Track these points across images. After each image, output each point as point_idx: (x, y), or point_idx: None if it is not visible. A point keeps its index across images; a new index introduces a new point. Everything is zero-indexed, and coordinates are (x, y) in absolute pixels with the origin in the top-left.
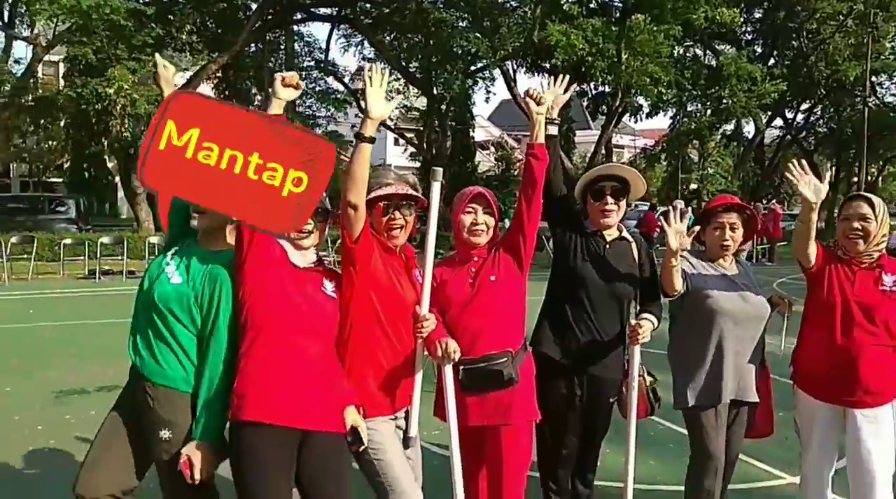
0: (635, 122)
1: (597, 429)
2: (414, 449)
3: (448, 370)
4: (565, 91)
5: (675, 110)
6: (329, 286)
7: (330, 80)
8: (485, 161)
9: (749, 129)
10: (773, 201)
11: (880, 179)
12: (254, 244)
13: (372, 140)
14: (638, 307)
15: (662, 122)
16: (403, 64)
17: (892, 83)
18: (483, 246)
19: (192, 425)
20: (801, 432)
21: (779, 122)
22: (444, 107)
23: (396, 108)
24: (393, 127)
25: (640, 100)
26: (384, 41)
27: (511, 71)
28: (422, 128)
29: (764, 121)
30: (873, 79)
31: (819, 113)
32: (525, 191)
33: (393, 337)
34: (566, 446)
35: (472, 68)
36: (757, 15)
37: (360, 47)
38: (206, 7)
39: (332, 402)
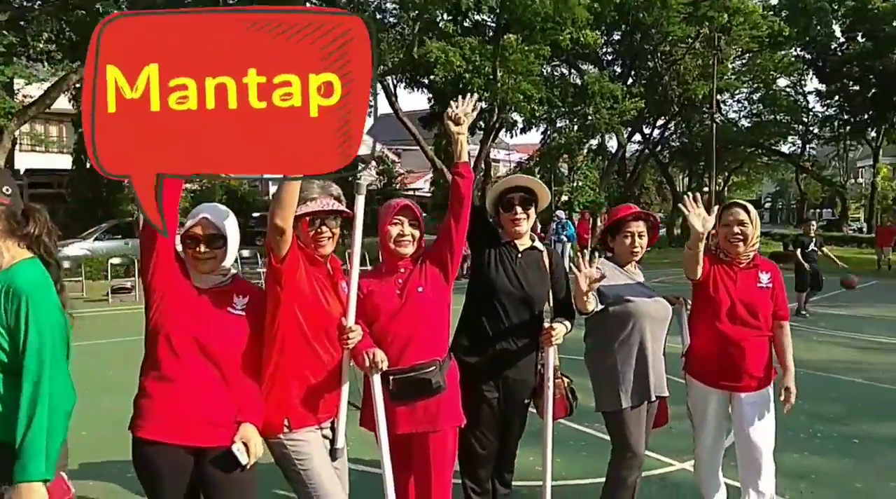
0: (511, 137)
1: (513, 430)
2: (341, 460)
3: (376, 380)
4: (473, 109)
5: (545, 126)
6: (239, 303)
7: None
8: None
9: (612, 144)
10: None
11: (726, 188)
12: (158, 258)
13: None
14: (552, 313)
15: (535, 137)
16: None
17: (733, 101)
18: (409, 257)
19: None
20: (695, 418)
21: (637, 137)
22: None
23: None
24: None
25: (515, 116)
26: None
27: (392, 86)
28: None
29: (625, 136)
30: (718, 97)
31: (672, 128)
32: (453, 207)
33: (319, 349)
34: (485, 447)
35: None
36: (616, 37)
37: None
38: (64, 14)
39: (229, 418)
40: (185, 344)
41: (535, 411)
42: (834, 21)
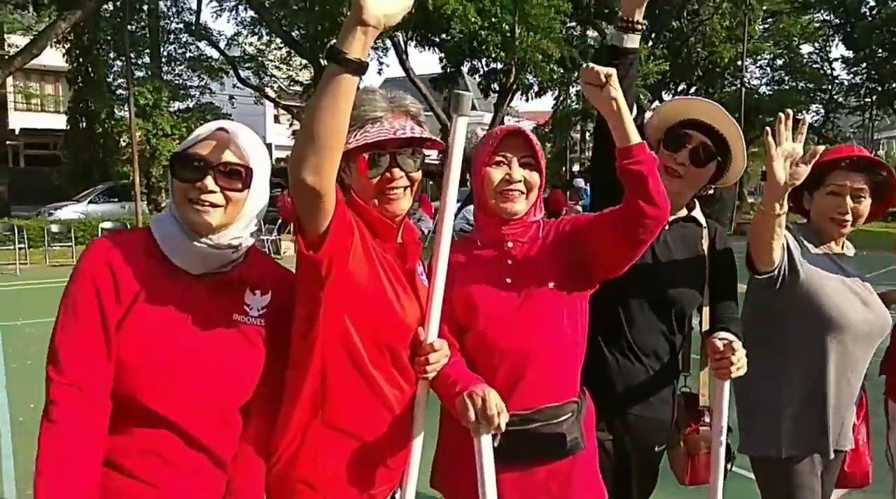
0: (526, 101)
1: (633, 491)
2: None
3: (485, 442)
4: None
5: (558, 91)
6: (255, 304)
7: (203, 45)
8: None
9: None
10: None
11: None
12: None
13: (359, 67)
14: (700, 320)
15: (544, 104)
16: (286, 31)
17: (755, 66)
18: (521, 218)
19: None
20: None
21: (657, 103)
22: None
23: (279, 80)
24: (274, 101)
25: (530, 78)
26: (264, 4)
27: (402, 43)
28: (306, 103)
29: (647, 101)
30: (744, 62)
31: (693, 94)
32: (630, 213)
33: (381, 381)
34: None
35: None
36: None
37: (235, 11)
38: None
39: None
40: (149, 387)
41: (670, 469)
42: None
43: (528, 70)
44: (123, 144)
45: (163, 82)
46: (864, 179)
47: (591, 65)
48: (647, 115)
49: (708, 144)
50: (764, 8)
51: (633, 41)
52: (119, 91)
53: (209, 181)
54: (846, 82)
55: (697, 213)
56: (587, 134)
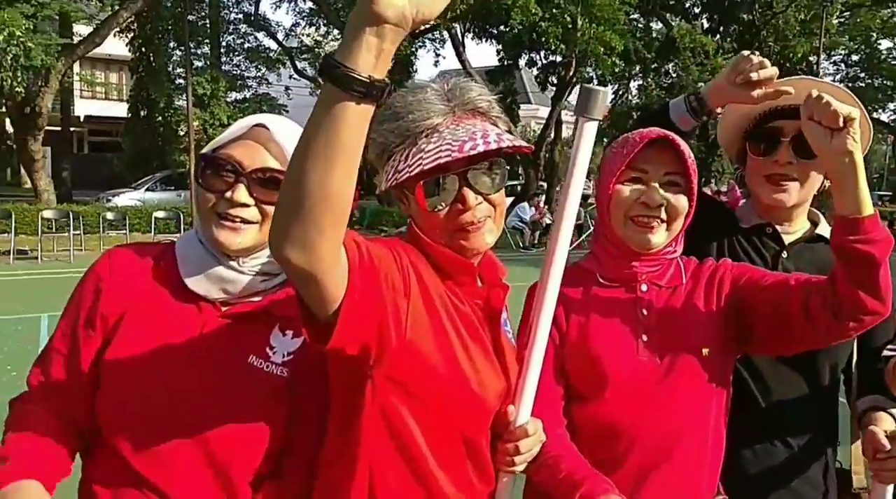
0: None
1: None
2: None
3: None
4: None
5: (617, 85)
6: (281, 347)
7: (261, 36)
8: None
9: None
10: (729, 180)
11: None
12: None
13: (369, 90)
14: (854, 385)
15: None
16: (344, 21)
17: (828, 62)
18: (658, 252)
19: None
20: None
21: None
22: (389, 71)
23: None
24: None
25: (590, 71)
26: None
27: (459, 34)
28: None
29: None
30: (816, 57)
31: None
32: (848, 301)
33: (444, 485)
34: None
35: (420, 28)
36: None
37: (294, 2)
38: None
39: None
40: (125, 433)
41: None
42: None
43: (589, 63)
44: (181, 132)
45: (220, 72)
46: None
47: (826, 97)
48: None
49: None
50: (842, 1)
51: (691, 125)
52: (178, 80)
53: (242, 191)
54: None
55: (825, 227)
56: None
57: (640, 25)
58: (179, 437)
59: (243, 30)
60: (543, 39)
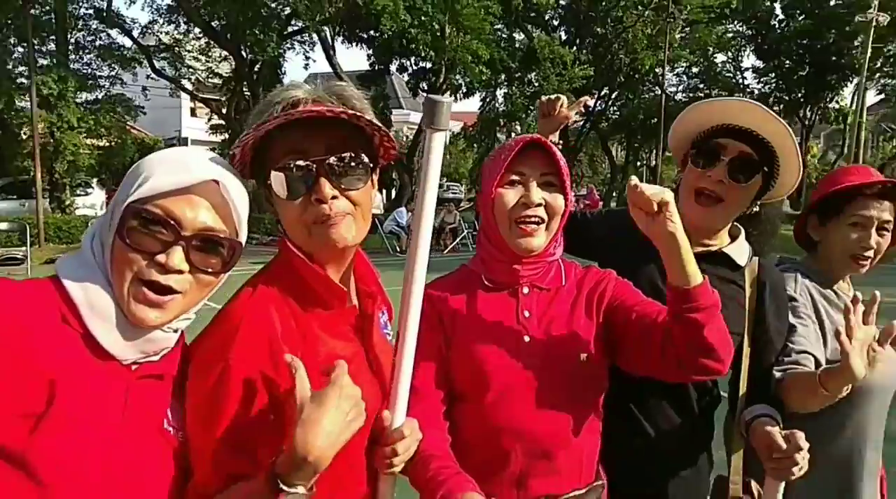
0: (455, 101)
1: None
2: None
3: None
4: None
5: (485, 93)
6: (176, 409)
7: (114, 32)
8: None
9: None
10: (588, 184)
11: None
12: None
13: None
14: (740, 397)
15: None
16: (206, 20)
17: (672, 74)
18: (539, 256)
19: None
20: None
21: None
22: (255, 72)
23: (197, 71)
24: (191, 94)
25: (459, 79)
26: None
27: (329, 38)
28: (225, 97)
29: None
30: (661, 69)
31: (612, 100)
32: (685, 356)
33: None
34: None
35: (289, 30)
36: (562, 1)
37: None
38: None
39: None
40: None
41: None
42: None
43: (458, 70)
44: (24, 136)
45: (69, 71)
46: (891, 210)
47: (638, 185)
48: (573, 118)
49: (749, 152)
50: (683, 17)
51: None
52: (20, 80)
53: (178, 256)
54: (756, 91)
55: (736, 248)
56: (513, 135)
57: (504, 36)
58: None
59: (94, 26)
60: (413, 46)
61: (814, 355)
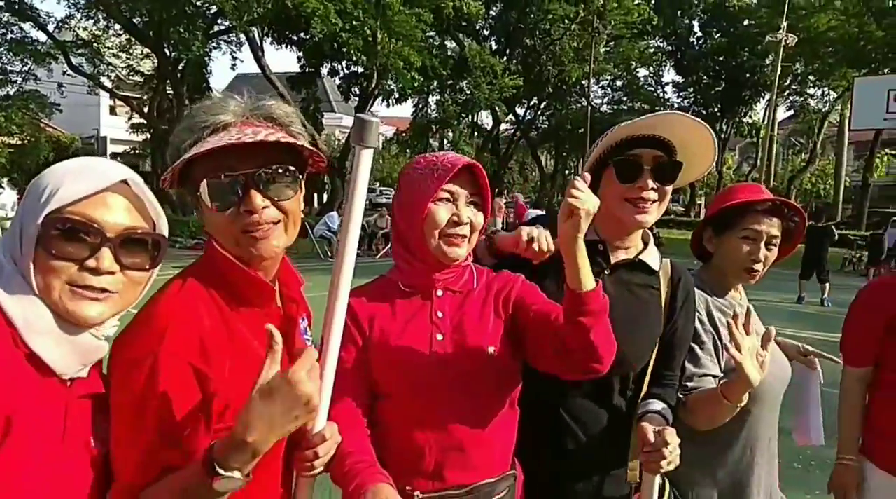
0: (387, 106)
1: None
2: None
3: None
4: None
5: (417, 99)
6: (102, 424)
7: (28, 26)
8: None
9: (487, 121)
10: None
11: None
12: None
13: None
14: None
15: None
16: (127, 16)
17: (598, 86)
18: (459, 265)
19: None
20: None
21: (510, 117)
22: (179, 71)
23: (117, 69)
24: (110, 92)
25: (391, 84)
26: None
27: (258, 39)
28: (147, 95)
29: (502, 113)
30: (587, 82)
31: (542, 110)
32: (572, 357)
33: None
34: None
35: (215, 29)
36: (492, 12)
37: None
38: None
39: None
40: None
41: None
42: (695, 15)
43: (390, 76)
44: None
45: None
46: (779, 225)
47: (580, 187)
48: (503, 126)
49: (660, 155)
50: (608, 32)
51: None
52: None
53: (107, 258)
54: (675, 105)
55: (650, 253)
56: (445, 142)
57: (436, 43)
58: None
59: (5, 19)
60: (345, 50)
61: (714, 376)
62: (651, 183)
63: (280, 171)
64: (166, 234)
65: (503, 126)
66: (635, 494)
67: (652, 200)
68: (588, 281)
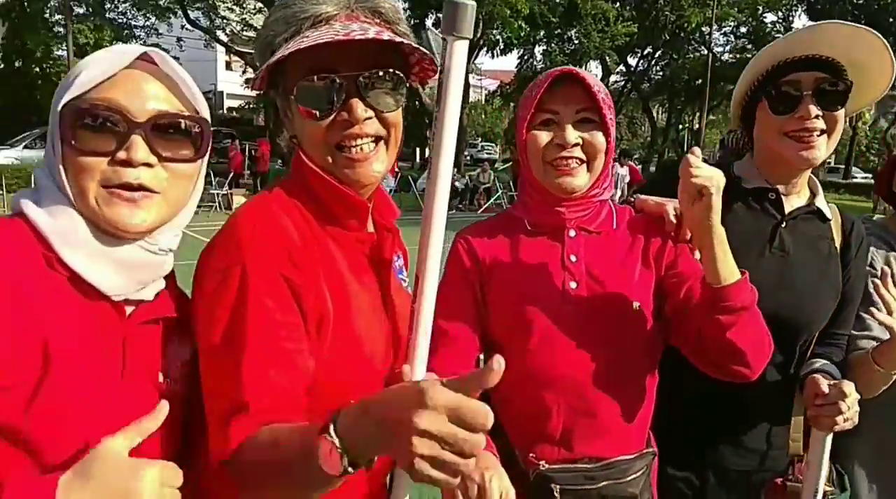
0: (492, 58)
1: None
2: None
3: None
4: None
5: (522, 50)
6: (175, 357)
7: None
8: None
9: (596, 72)
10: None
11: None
12: None
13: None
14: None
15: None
16: None
17: (719, 34)
18: (581, 196)
19: None
20: None
21: (620, 67)
22: None
23: (231, 22)
24: (226, 46)
25: (497, 34)
26: None
27: None
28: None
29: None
30: (708, 28)
31: (656, 60)
32: (720, 360)
33: None
34: None
35: None
36: None
37: None
38: None
39: None
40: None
41: None
42: None
43: (496, 26)
44: None
45: (105, 20)
46: None
47: (694, 163)
48: (612, 78)
49: (823, 76)
50: None
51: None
52: (57, 28)
53: (140, 147)
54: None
55: (822, 200)
56: None
57: None
58: None
59: None
60: None
61: (877, 339)
62: (814, 110)
63: (385, 76)
64: (208, 117)
65: (613, 78)
66: (796, 464)
67: (818, 130)
68: (730, 273)
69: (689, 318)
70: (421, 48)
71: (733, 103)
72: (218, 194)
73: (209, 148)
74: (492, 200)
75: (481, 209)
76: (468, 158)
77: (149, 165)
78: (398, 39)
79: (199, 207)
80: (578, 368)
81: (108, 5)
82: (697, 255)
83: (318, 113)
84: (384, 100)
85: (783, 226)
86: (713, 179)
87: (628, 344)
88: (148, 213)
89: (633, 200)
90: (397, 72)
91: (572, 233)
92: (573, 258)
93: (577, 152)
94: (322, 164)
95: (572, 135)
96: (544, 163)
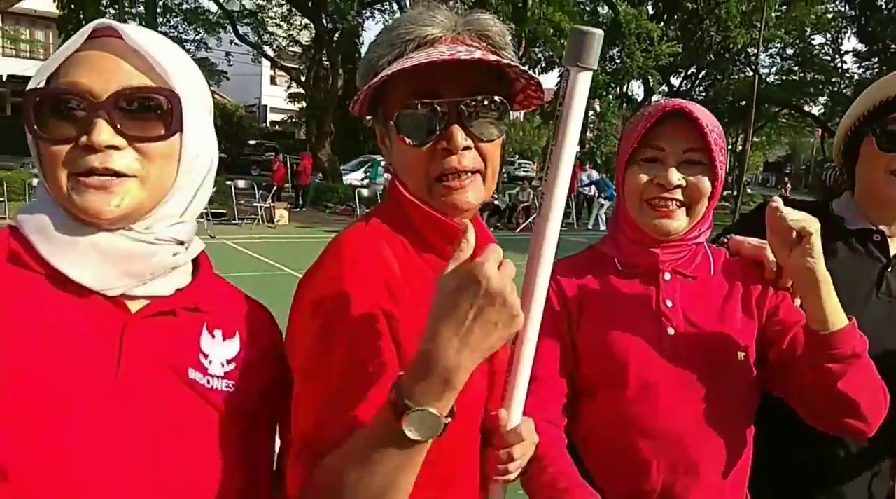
0: (538, 75)
1: None
2: None
3: None
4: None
5: (564, 69)
6: (217, 353)
7: None
8: None
9: (638, 92)
10: None
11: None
12: None
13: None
14: None
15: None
16: None
17: (765, 55)
18: (679, 238)
19: None
20: None
21: (663, 88)
22: (334, 41)
23: (278, 38)
24: (272, 61)
25: (539, 52)
26: None
27: (409, 6)
28: (304, 65)
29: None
30: (754, 49)
31: (700, 80)
32: (834, 417)
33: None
34: None
35: None
36: None
37: None
38: None
39: None
40: None
41: None
42: None
43: (539, 44)
44: None
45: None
46: None
47: (780, 208)
48: (654, 98)
49: None
50: None
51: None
52: None
53: (104, 129)
54: (857, 76)
55: None
56: (590, 113)
57: (587, 8)
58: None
59: None
60: (495, 15)
61: None
62: None
63: (487, 103)
64: (181, 92)
65: (655, 97)
66: None
67: None
68: (838, 318)
69: (796, 368)
70: (528, 73)
71: (837, 137)
72: (261, 207)
73: (181, 121)
74: (530, 219)
75: (519, 228)
76: (505, 175)
77: (115, 147)
78: (505, 61)
79: (241, 219)
80: (681, 421)
81: (161, 19)
82: (797, 301)
83: (417, 142)
84: (487, 129)
85: (889, 270)
86: (808, 220)
87: (731, 395)
88: (122, 198)
89: (726, 240)
90: (503, 100)
91: (667, 276)
92: (669, 303)
93: (679, 194)
94: (417, 193)
95: (675, 176)
96: (641, 201)
